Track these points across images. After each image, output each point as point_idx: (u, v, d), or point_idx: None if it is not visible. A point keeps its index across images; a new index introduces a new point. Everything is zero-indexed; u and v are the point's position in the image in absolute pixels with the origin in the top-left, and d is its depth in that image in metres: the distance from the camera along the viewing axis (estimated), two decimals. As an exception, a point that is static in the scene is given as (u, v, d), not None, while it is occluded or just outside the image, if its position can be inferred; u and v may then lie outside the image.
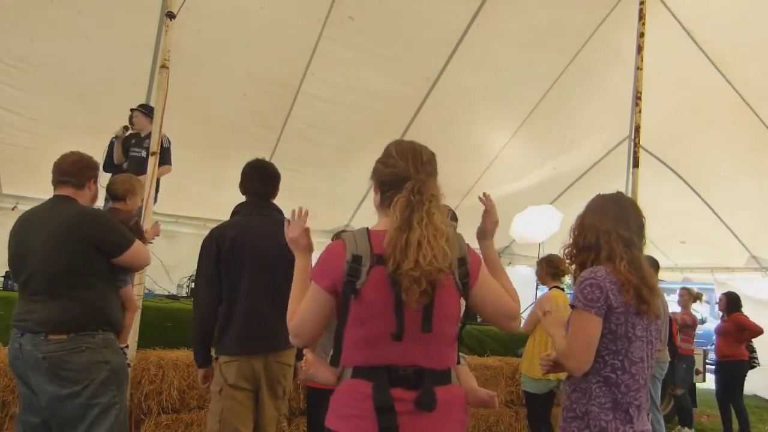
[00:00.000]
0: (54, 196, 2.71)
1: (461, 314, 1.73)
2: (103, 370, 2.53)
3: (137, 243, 2.75)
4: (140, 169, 5.08)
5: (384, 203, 1.70)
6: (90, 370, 2.50)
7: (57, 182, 2.71)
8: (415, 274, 1.52)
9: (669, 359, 5.39)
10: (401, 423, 1.53)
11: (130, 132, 5.68)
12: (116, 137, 5.69)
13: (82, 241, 2.55)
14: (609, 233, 2.07)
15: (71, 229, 2.56)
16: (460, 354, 1.80)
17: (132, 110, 5.62)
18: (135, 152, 5.58)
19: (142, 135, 5.53)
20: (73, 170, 2.71)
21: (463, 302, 1.72)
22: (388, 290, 1.56)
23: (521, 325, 4.33)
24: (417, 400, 1.56)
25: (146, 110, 5.47)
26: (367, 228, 1.67)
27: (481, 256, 1.80)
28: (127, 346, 3.45)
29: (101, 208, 4.32)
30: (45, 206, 2.71)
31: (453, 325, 1.66)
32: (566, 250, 2.21)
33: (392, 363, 1.57)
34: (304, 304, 1.68)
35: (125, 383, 2.79)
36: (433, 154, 1.74)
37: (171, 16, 3.96)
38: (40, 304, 2.50)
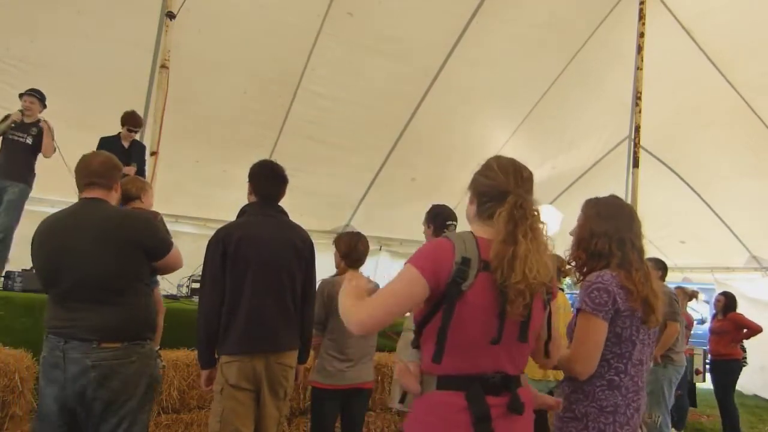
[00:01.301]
0: (84, 198, 2.55)
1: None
2: (144, 384, 2.47)
3: (175, 245, 2.69)
4: (15, 152, 5.01)
5: (482, 214, 1.72)
6: (135, 383, 2.43)
7: (86, 184, 2.55)
8: (521, 287, 1.56)
9: (685, 363, 5.34)
10: (495, 428, 1.57)
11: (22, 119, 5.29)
12: (13, 121, 5.27)
13: (130, 244, 2.46)
14: (624, 242, 2.08)
15: (117, 231, 2.45)
16: None
17: (22, 95, 5.24)
18: (16, 136, 5.21)
19: (28, 122, 5.26)
20: (102, 171, 2.57)
21: None
22: (493, 297, 1.59)
23: None
24: (510, 405, 1.61)
25: (40, 95, 5.26)
26: (472, 232, 1.68)
27: None
28: (159, 348, 3.44)
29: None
30: (77, 210, 2.55)
31: (535, 336, 1.74)
32: (573, 255, 2.20)
33: (482, 371, 1.61)
34: (389, 289, 1.62)
35: (155, 397, 2.74)
36: (532, 174, 1.78)
37: (171, 16, 3.97)
38: (87, 311, 2.38)
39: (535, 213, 1.66)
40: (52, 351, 2.39)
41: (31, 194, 6.19)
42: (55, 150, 5.35)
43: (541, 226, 1.66)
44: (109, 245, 2.42)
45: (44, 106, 5.33)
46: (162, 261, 2.60)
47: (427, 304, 1.62)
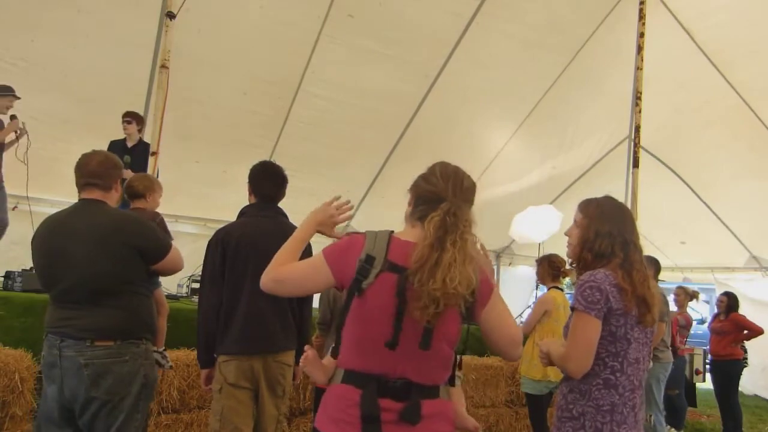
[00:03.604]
0: (82, 199, 2.56)
1: (459, 339, 1.73)
2: (138, 384, 2.46)
3: (174, 247, 2.67)
4: None
5: (414, 215, 1.73)
6: (129, 382, 2.43)
7: (84, 185, 2.55)
8: (437, 294, 1.53)
9: (672, 360, 5.39)
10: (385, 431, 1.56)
11: None
12: None
13: (126, 247, 2.46)
14: (627, 243, 2.10)
15: (114, 235, 2.46)
16: (457, 374, 1.80)
17: None
18: None
19: None
20: (101, 171, 2.55)
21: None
22: (391, 298, 1.57)
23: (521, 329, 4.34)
24: (402, 412, 1.58)
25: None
26: (391, 232, 1.69)
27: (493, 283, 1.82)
28: (164, 349, 3.43)
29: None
30: (76, 211, 2.55)
31: (450, 347, 1.67)
32: (577, 255, 2.20)
33: (383, 372, 1.59)
34: (300, 265, 1.74)
35: (152, 397, 2.72)
36: (474, 184, 1.77)
37: (171, 16, 3.97)
38: (83, 312, 2.40)
39: (467, 223, 1.63)
40: (50, 350, 2.42)
41: (31, 194, 6.20)
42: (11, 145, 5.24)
43: (470, 237, 1.62)
44: (104, 248, 2.44)
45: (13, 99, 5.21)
46: (160, 264, 2.60)
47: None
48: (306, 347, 1.74)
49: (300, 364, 1.71)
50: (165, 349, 3.43)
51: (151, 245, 2.57)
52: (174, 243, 2.84)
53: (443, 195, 1.68)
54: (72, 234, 2.46)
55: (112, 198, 2.64)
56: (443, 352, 1.65)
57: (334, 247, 1.69)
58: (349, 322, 1.63)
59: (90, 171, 2.55)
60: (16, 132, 5.21)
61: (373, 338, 1.59)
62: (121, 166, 2.78)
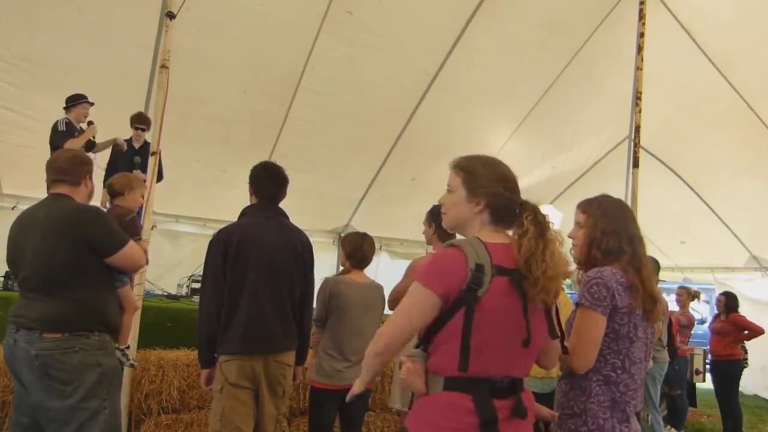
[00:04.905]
0: (50, 194, 2.66)
1: None
2: (94, 373, 2.48)
3: (131, 244, 2.67)
4: None
5: (497, 221, 1.76)
6: (81, 371, 2.45)
7: (52, 181, 2.65)
8: (553, 277, 1.65)
9: (669, 360, 5.39)
10: (500, 431, 1.59)
11: None
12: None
13: (76, 239, 2.50)
14: (632, 239, 2.13)
15: (65, 227, 2.52)
16: None
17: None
18: None
19: None
20: (68, 167, 2.65)
21: None
22: (514, 298, 1.62)
23: None
24: (515, 409, 1.64)
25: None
26: (478, 238, 1.70)
27: None
28: (128, 347, 3.43)
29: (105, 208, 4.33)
30: (41, 205, 2.66)
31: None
32: (585, 255, 2.20)
33: (491, 374, 1.62)
34: (401, 312, 1.66)
35: (117, 387, 2.72)
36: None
37: (171, 16, 3.96)
38: (36, 302, 2.48)
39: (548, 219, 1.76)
40: (7, 339, 2.51)
41: (31, 194, 6.18)
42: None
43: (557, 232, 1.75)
44: (55, 239, 2.50)
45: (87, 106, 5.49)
46: (113, 258, 2.60)
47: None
48: (403, 358, 1.69)
49: (402, 375, 1.68)
50: (128, 347, 3.40)
51: (100, 239, 2.58)
52: (144, 243, 2.99)
53: (519, 197, 1.79)
54: (31, 226, 2.56)
55: (81, 193, 2.70)
56: (539, 344, 1.73)
57: (430, 271, 1.64)
58: (456, 330, 1.59)
59: (58, 167, 2.64)
60: (92, 138, 5.41)
61: (500, 342, 1.61)
62: (90, 162, 2.83)
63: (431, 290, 1.59)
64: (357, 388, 1.79)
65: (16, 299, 2.60)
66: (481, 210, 1.75)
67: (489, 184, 1.75)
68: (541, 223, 1.71)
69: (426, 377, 1.66)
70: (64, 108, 5.39)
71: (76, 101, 5.40)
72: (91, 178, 2.78)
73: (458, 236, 1.84)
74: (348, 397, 1.83)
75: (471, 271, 1.59)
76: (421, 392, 1.67)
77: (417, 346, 1.71)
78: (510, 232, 1.76)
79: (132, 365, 3.44)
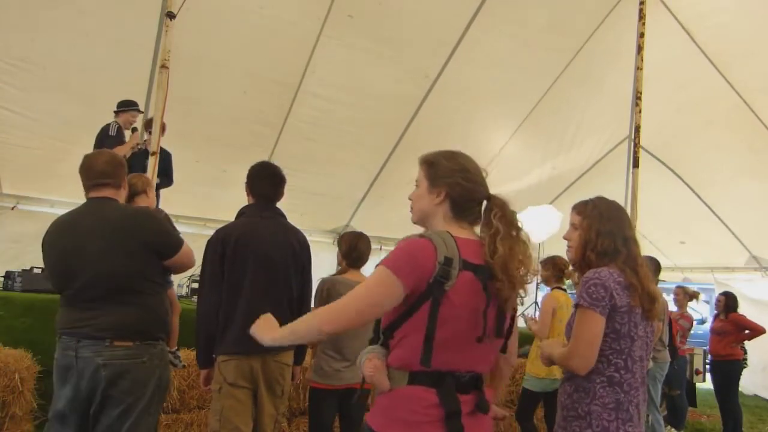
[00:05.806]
0: (93, 198, 2.53)
1: None
2: (153, 386, 2.43)
3: (185, 242, 2.65)
4: None
5: (461, 215, 1.75)
6: (144, 384, 2.39)
7: (93, 185, 2.52)
8: (517, 282, 1.64)
9: (669, 360, 5.39)
10: (464, 425, 1.59)
11: None
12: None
13: (140, 243, 2.43)
14: (627, 239, 2.15)
15: (127, 231, 2.43)
16: None
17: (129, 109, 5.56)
18: None
19: None
20: (110, 170, 2.54)
21: None
22: (477, 295, 1.61)
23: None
24: (478, 403, 1.64)
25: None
26: (449, 232, 1.68)
27: None
28: (178, 349, 3.42)
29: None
30: (86, 211, 2.52)
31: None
32: (580, 256, 2.20)
33: (454, 369, 1.62)
34: (365, 293, 1.60)
35: (163, 400, 2.67)
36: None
37: (171, 16, 3.97)
38: (99, 311, 2.36)
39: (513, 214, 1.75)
40: (64, 352, 2.38)
41: (31, 194, 6.21)
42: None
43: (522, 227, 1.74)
44: (119, 244, 2.40)
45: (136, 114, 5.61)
46: (172, 260, 2.57)
47: (398, 305, 1.60)
48: (370, 355, 1.68)
49: (367, 373, 1.66)
50: (178, 349, 3.42)
51: (165, 240, 2.55)
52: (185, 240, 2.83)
53: (485, 191, 1.77)
54: (85, 232, 2.43)
55: (122, 196, 2.63)
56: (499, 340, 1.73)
57: (399, 259, 1.60)
58: (420, 324, 1.58)
59: (99, 171, 2.52)
60: (133, 148, 5.39)
61: (461, 336, 1.60)
62: (125, 164, 2.77)
63: (400, 280, 1.56)
64: (269, 341, 1.84)
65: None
66: (442, 201, 1.75)
67: (449, 174, 1.75)
68: (510, 222, 1.70)
69: (388, 372, 1.65)
70: (114, 112, 5.43)
71: (126, 107, 5.46)
72: (126, 179, 2.73)
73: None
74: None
75: (439, 264, 1.58)
76: (385, 389, 1.66)
77: (372, 342, 1.71)
78: (477, 229, 1.74)
79: (183, 366, 3.46)
